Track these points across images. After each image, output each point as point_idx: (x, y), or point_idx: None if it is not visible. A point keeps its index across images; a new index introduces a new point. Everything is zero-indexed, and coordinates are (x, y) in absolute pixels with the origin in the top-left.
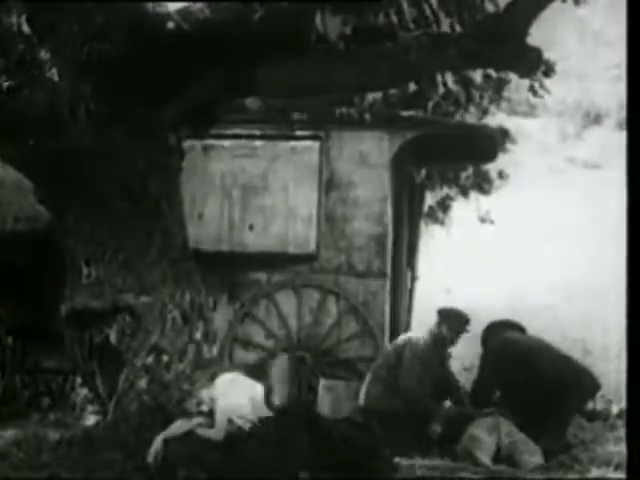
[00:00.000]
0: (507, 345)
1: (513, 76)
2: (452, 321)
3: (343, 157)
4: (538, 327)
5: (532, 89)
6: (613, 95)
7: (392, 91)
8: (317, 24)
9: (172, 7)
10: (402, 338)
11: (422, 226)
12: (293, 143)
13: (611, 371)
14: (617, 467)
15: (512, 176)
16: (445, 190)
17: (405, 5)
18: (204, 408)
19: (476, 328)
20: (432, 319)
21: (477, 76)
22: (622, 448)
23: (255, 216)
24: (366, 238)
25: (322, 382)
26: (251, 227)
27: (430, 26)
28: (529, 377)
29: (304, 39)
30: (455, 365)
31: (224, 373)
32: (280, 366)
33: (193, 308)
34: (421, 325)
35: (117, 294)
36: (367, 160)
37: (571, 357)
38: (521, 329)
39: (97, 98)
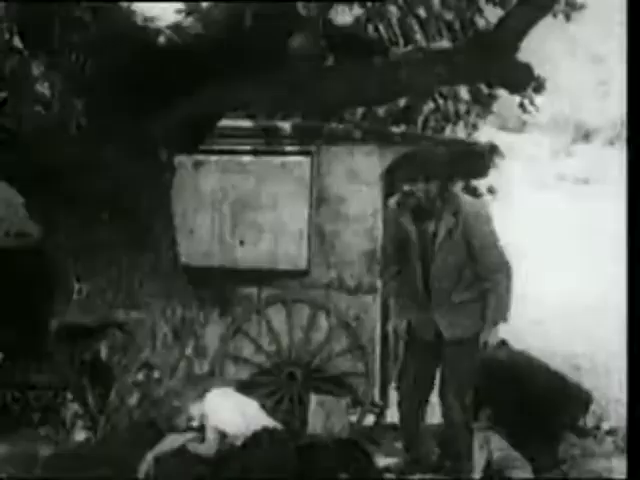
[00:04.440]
0: (494, 362)
1: (503, 92)
2: None
3: (333, 172)
4: (527, 342)
5: (522, 105)
6: (603, 111)
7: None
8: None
9: (163, 22)
10: None
11: None
12: (283, 159)
13: (601, 387)
14: None
15: (501, 191)
16: None
17: (395, 20)
18: (195, 424)
19: None
20: None
21: (466, 92)
22: (611, 464)
23: (245, 232)
24: (357, 253)
25: (314, 398)
26: (241, 242)
27: (420, 42)
28: (520, 392)
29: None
30: None
31: (215, 389)
32: None
33: (184, 324)
34: None
35: (107, 310)
36: (357, 175)
37: (562, 373)
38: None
39: (88, 113)
